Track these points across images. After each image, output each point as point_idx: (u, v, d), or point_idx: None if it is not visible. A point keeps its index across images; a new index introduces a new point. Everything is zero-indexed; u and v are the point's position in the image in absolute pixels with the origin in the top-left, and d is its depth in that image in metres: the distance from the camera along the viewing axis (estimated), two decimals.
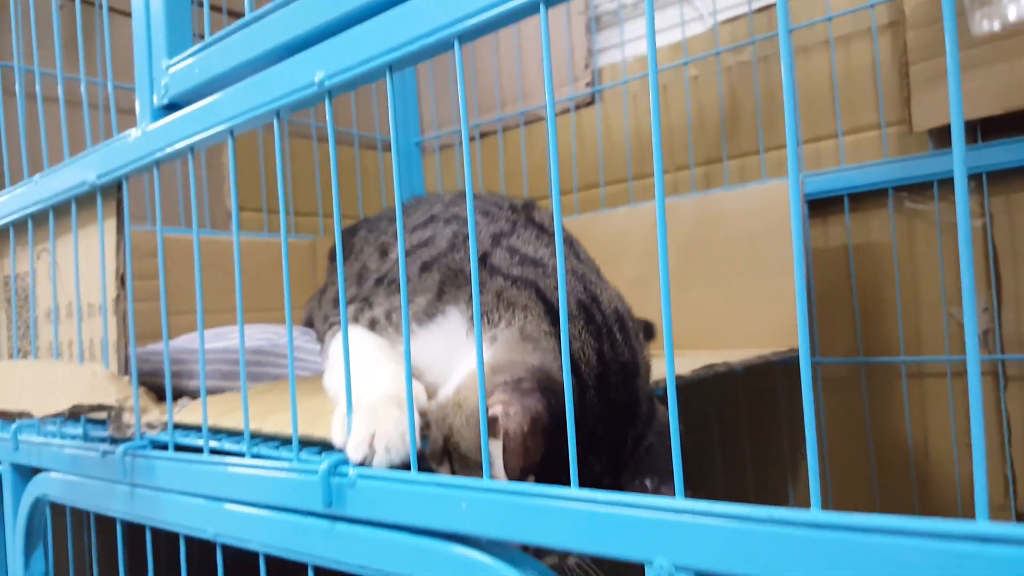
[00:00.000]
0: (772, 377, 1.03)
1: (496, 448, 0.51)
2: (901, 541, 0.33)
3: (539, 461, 0.51)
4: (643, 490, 0.54)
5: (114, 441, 0.74)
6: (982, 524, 0.31)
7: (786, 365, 1.04)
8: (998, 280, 0.91)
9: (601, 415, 0.56)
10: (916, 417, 0.96)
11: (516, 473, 0.50)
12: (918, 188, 0.96)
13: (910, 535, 0.32)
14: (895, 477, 0.98)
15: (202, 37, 0.65)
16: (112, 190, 0.76)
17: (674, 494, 0.50)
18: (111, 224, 0.76)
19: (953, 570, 0.31)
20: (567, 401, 0.42)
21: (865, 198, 0.99)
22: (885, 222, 0.98)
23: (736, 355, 0.86)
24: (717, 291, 0.99)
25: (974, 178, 0.91)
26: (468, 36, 0.45)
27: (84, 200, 0.79)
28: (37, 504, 0.87)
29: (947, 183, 0.93)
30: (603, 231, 1.08)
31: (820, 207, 1.01)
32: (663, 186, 0.39)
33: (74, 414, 0.69)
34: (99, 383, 0.72)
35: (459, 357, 0.63)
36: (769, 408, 1.04)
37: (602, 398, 0.57)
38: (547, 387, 0.52)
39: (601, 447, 0.57)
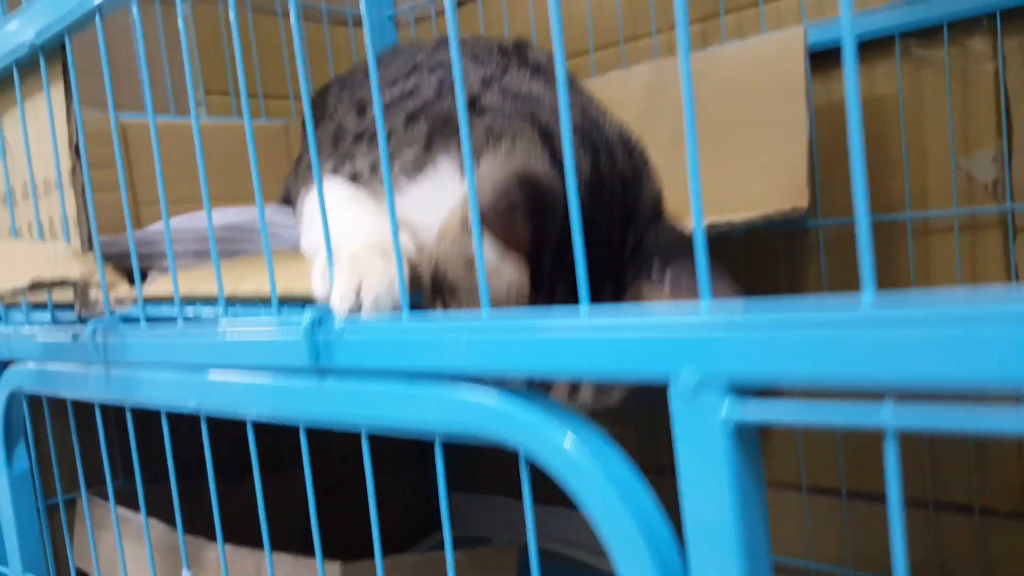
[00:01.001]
0: (773, 244, 1.00)
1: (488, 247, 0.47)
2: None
3: (526, 245, 0.47)
4: (648, 280, 0.50)
5: (82, 321, 0.69)
6: None
7: (787, 230, 1.00)
8: (1009, 127, 0.87)
9: (594, 211, 0.52)
10: (920, 274, 0.93)
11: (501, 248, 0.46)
12: (927, 33, 0.90)
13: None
14: None
15: None
16: (56, 52, 0.69)
17: (687, 279, 0.47)
18: (58, 90, 0.69)
19: None
20: (569, 182, 0.38)
21: (870, 48, 0.93)
22: (890, 73, 0.92)
23: (738, 215, 0.82)
24: (716, 152, 0.94)
25: (987, 18, 0.85)
26: None
27: (27, 67, 0.72)
28: (13, 398, 0.83)
29: (958, 25, 0.88)
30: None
31: (822, 60, 0.95)
32: (688, 36, 0.34)
33: (35, 288, 0.64)
34: (61, 258, 0.67)
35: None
36: (771, 278, 1.02)
37: (594, 198, 0.52)
38: (527, 178, 0.48)
39: (595, 242, 0.53)
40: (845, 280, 0.98)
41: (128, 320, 0.66)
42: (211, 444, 0.60)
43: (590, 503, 0.39)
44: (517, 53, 0.67)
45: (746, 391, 0.35)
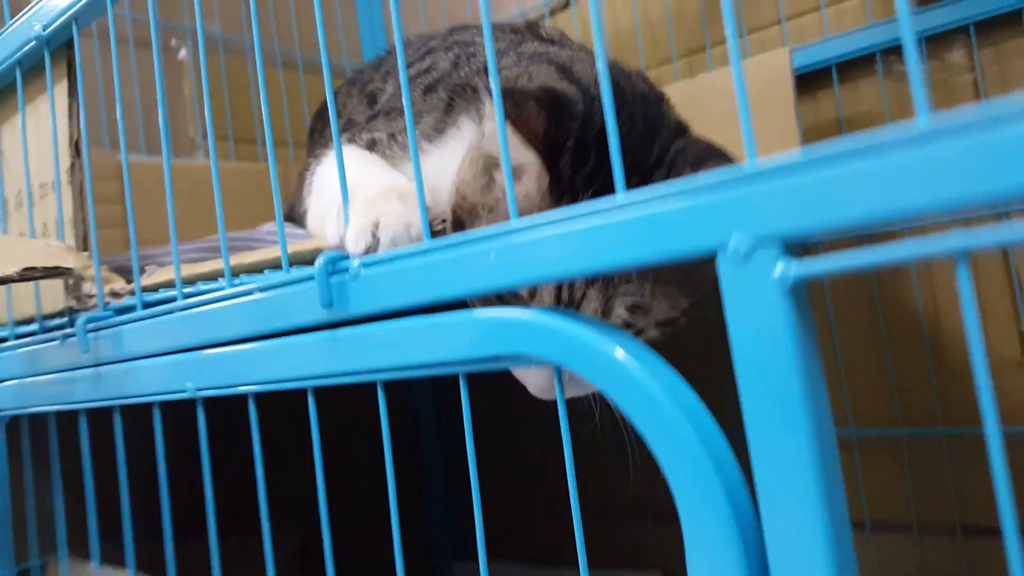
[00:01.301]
0: None
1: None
2: None
3: (541, 132, 0.46)
4: None
5: (72, 322, 0.66)
6: None
7: None
8: None
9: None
10: (923, 280, 0.93)
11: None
12: None
13: None
14: (908, 352, 0.94)
15: None
16: (62, 48, 0.69)
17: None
18: (62, 88, 0.69)
19: None
20: (604, 87, 0.37)
21: (853, 67, 0.96)
22: (875, 90, 0.95)
23: None
24: None
25: (961, 31, 0.89)
26: None
27: (31, 68, 0.72)
28: None
29: (934, 39, 0.91)
30: None
31: (808, 81, 0.98)
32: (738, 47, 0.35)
33: (26, 277, 0.61)
34: (54, 252, 0.64)
35: None
36: None
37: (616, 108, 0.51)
38: (543, 85, 0.47)
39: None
40: (848, 296, 0.97)
41: (122, 311, 0.63)
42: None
43: (642, 415, 0.36)
44: (530, 30, 0.68)
45: (796, 248, 0.33)
